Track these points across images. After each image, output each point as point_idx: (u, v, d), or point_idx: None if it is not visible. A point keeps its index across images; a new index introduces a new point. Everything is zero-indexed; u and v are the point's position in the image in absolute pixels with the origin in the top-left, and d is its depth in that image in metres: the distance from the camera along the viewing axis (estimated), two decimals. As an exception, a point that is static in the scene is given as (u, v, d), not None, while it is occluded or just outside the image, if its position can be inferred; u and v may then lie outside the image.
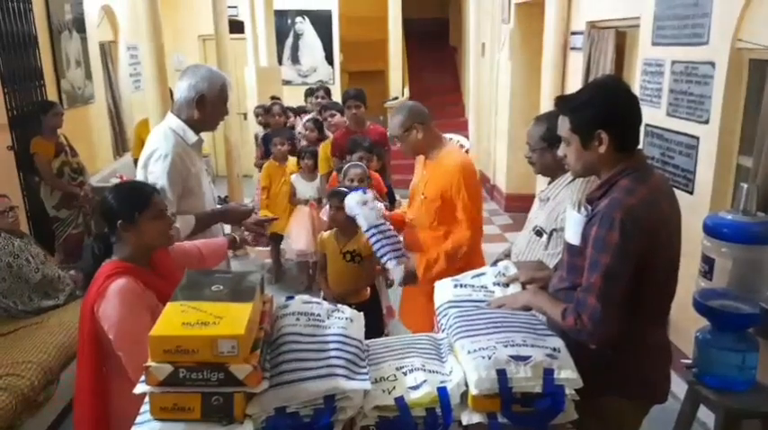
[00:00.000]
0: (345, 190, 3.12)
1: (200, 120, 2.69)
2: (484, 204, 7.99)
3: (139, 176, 2.65)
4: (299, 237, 5.06)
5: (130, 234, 2.05)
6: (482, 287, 2.02)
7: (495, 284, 2.04)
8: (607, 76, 1.71)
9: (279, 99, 6.71)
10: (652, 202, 1.71)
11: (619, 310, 1.69)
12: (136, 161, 5.61)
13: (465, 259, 2.85)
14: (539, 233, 2.39)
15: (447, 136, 3.10)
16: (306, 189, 5.03)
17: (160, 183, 2.53)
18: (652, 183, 1.77)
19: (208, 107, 2.66)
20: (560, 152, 1.89)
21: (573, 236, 1.83)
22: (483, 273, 2.11)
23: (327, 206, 3.30)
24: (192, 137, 2.69)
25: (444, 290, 2.04)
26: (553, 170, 2.40)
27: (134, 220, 2.04)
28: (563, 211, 2.29)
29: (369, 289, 3.29)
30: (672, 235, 1.79)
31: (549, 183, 2.44)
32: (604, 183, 1.78)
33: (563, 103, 1.86)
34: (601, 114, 1.74)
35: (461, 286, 2.04)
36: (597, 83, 1.97)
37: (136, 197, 2.10)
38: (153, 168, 2.59)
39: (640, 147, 1.84)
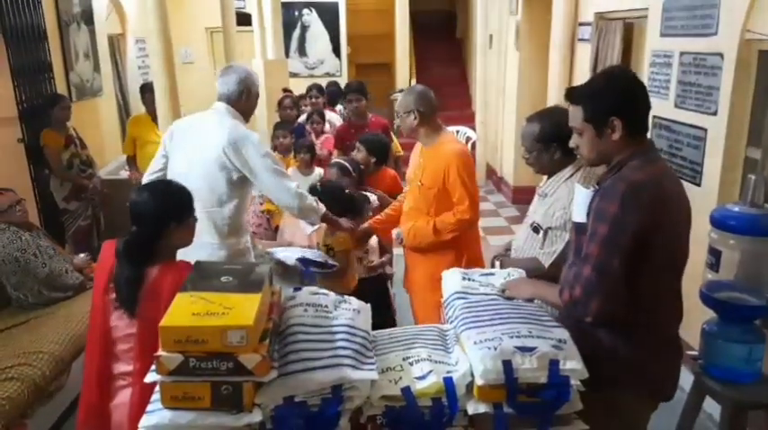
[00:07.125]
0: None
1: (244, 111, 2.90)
2: (490, 196, 8.04)
3: (222, 164, 2.67)
4: (295, 233, 5.04)
5: (177, 233, 2.05)
6: (489, 285, 2.03)
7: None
8: (615, 65, 1.73)
9: (291, 92, 6.70)
10: (657, 181, 1.73)
11: (616, 286, 1.68)
12: (129, 158, 5.66)
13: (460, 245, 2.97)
14: (536, 229, 2.40)
15: (454, 128, 3.16)
16: (303, 184, 4.98)
17: (270, 159, 2.74)
18: (660, 165, 1.82)
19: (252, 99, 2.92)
20: (572, 143, 1.91)
21: (580, 213, 1.84)
22: (492, 274, 2.13)
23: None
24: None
25: (452, 281, 2.05)
26: (551, 170, 2.42)
27: (185, 221, 2.07)
28: (559, 209, 2.31)
29: (353, 280, 3.29)
30: (678, 223, 1.79)
31: (549, 178, 2.45)
32: (614, 166, 1.81)
33: (574, 93, 1.87)
34: (614, 101, 1.77)
35: (469, 279, 2.05)
36: (606, 72, 1.99)
37: (187, 199, 2.12)
38: (252, 152, 2.70)
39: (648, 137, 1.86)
